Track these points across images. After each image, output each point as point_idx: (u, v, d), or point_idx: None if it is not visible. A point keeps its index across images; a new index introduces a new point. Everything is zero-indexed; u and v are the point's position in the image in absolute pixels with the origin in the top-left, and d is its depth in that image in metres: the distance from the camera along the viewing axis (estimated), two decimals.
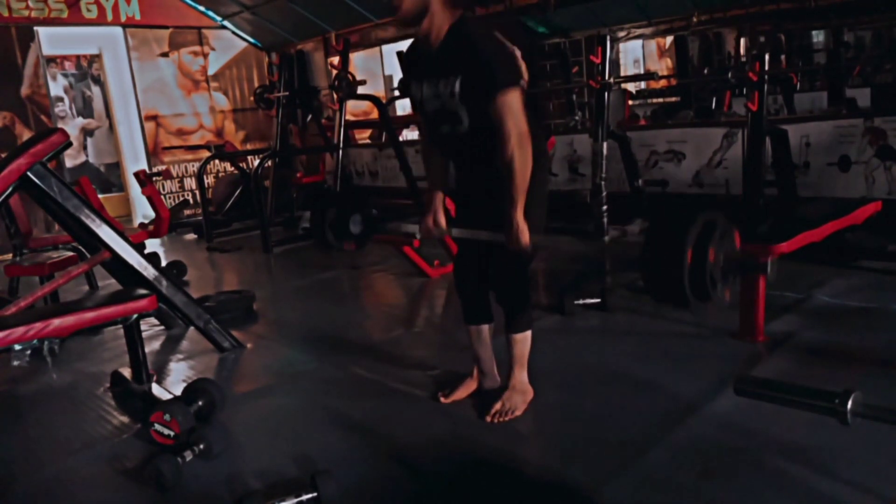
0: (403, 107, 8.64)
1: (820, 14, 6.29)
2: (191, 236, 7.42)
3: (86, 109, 9.58)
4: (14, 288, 4.53)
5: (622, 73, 7.81)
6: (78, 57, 9.41)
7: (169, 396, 2.66)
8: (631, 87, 8.22)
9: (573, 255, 4.85)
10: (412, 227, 2.72)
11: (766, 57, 3.95)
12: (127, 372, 2.98)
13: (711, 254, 1.92)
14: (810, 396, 1.31)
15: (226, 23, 9.08)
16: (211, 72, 9.11)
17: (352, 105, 7.37)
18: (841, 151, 4.40)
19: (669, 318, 3.23)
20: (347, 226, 3.82)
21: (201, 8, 8.83)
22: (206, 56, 9.04)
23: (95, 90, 9.53)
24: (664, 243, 2.00)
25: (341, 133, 6.16)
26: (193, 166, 8.74)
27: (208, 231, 6.88)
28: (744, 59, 7.39)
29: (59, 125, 8.00)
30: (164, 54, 8.71)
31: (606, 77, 4.18)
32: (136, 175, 5.87)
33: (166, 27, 8.64)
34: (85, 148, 9.54)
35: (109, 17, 8.11)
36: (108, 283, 4.39)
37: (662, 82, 8.63)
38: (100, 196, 6.26)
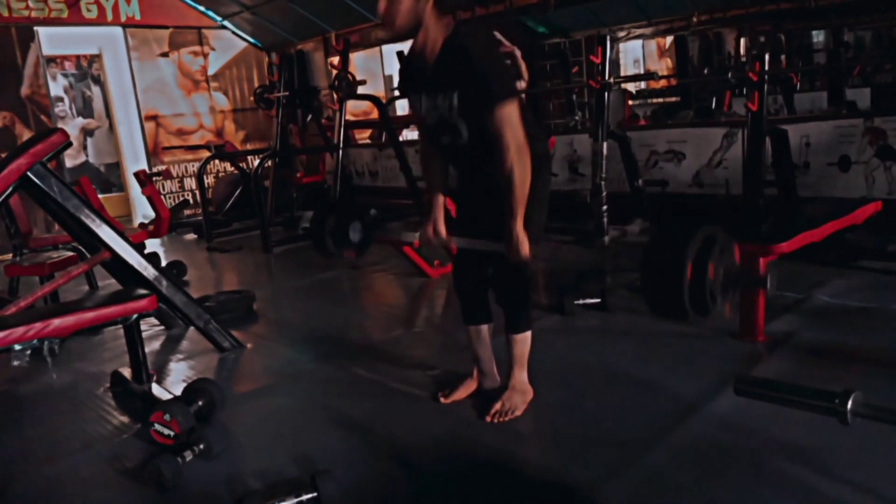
0: (403, 107, 8.64)
1: (820, 14, 6.30)
2: (191, 236, 7.42)
3: (86, 109, 9.58)
4: (14, 288, 4.52)
5: (622, 73, 7.81)
6: (78, 57, 9.41)
7: (169, 396, 2.66)
8: (631, 87, 8.22)
9: (573, 255, 4.85)
10: (412, 234, 2.73)
11: (766, 57, 3.94)
12: (127, 372, 2.98)
13: (711, 269, 1.94)
14: (810, 396, 1.32)
15: (226, 23, 9.08)
16: (211, 72, 9.11)
17: (352, 105, 7.37)
18: (841, 151, 4.40)
19: None
20: (347, 234, 3.84)
21: (201, 8, 8.84)
22: (206, 56, 9.04)
23: (95, 90, 9.53)
24: (664, 259, 2.02)
25: (341, 133, 6.15)
26: (193, 166, 8.75)
27: (208, 231, 6.88)
28: (744, 59, 7.39)
29: (59, 125, 8.00)
30: (164, 54, 8.71)
31: (606, 77, 4.18)
32: (136, 175, 5.87)
33: (166, 27, 8.64)
34: (85, 148, 9.54)
35: (109, 17, 8.11)
36: (108, 283, 4.38)
37: (662, 82, 8.63)
38: (100, 196, 6.26)
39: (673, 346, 2.99)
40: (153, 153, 8.67)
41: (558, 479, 2.07)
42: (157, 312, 3.40)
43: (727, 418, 2.29)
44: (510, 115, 2.10)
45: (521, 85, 2.32)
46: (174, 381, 3.17)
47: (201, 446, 2.27)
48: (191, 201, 8.54)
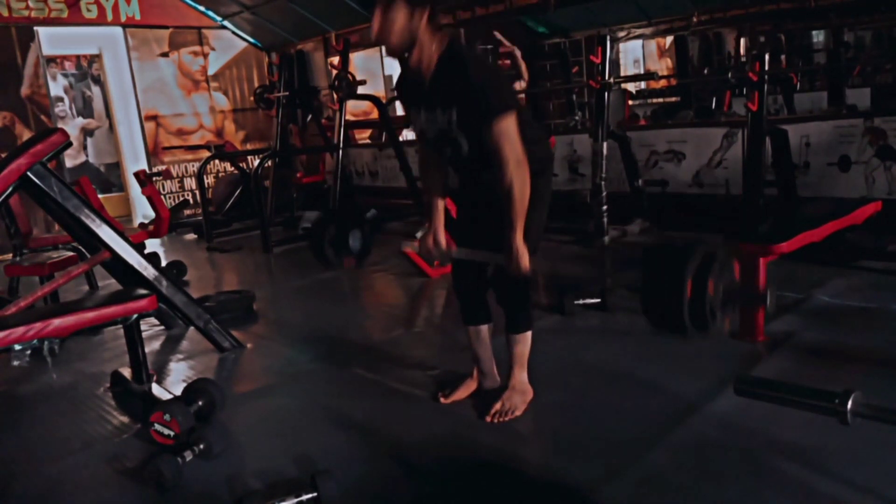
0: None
1: (820, 14, 6.31)
2: (191, 236, 7.42)
3: (86, 109, 9.58)
4: (14, 288, 4.53)
5: (622, 73, 7.82)
6: (78, 57, 9.41)
7: (169, 396, 2.66)
8: (631, 87, 8.23)
9: (573, 255, 4.86)
10: (412, 243, 2.74)
11: (766, 57, 3.95)
12: (127, 372, 2.98)
13: (711, 286, 1.95)
14: (810, 396, 1.32)
15: (226, 23, 9.08)
16: (211, 72, 9.11)
17: (352, 105, 7.36)
18: (841, 151, 4.40)
19: None
20: (347, 242, 3.85)
21: (201, 8, 8.84)
22: (206, 56, 9.04)
23: (95, 90, 9.53)
24: (663, 279, 2.03)
25: (341, 133, 6.15)
26: (193, 166, 8.75)
27: (208, 231, 6.88)
28: (744, 59, 7.40)
29: (59, 125, 7.99)
30: (164, 54, 8.71)
31: (606, 77, 4.18)
32: (136, 175, 5.87)
33: (166, 27, 8.64)
34: (85, 148, 9.54)
35: (109, 17, 8.11)
36: (108, 283, 4.39)
37: (662, 82, 8.63)
38: (100, 196, 6.26)
39: (673, 346, 2.98)
40: (153, 153, 8.67)
41: (558, 479, 2.07)
42: (157, 312, 3.41)
43: (727, 418, 2.28)
44: (508, 129, 2.11)
45: (521, 85, 2.33)
46: (174, 381, 3.17)
47: (201, 446, 2.27)
48: (191, 201, 8.54)
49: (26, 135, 7.33)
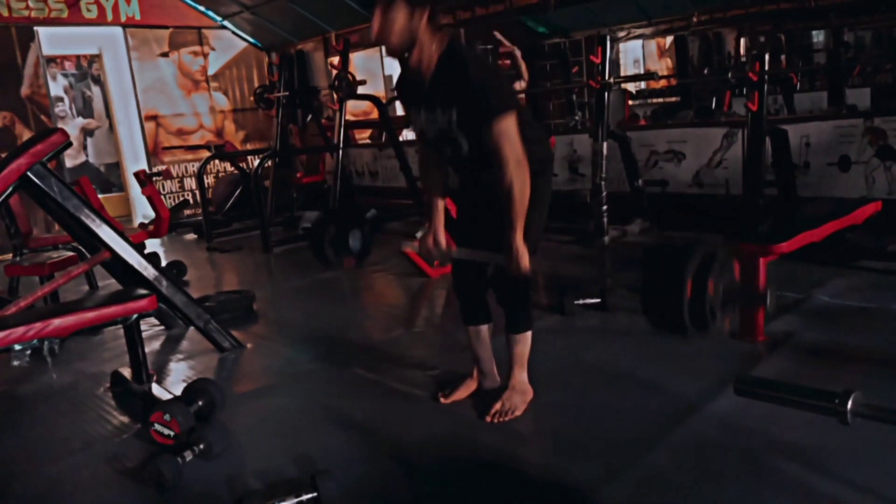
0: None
1: (820, 14, 6.31)
2: (191, 236, 7.42)
3: (86, 109, 9.58)
4: (14, 288, 4.53)
5: (622, 73, 7.82)
6: (78, 57, 9.41)
7: (169, 396, 2.66)
8: (631, 87, 8.23)
9: (573, 255, 4.86)
10: (412, 243, 2.74)
11: (766, 57, 3.95)
12: (127, 372, 2.98)
13: (711, 286, 1.95)
14: (810, 396, 1.32)
15: (226, 23, 9.08)
16: (211, 72, 9.11)
17: (352, 105, 7.36)
18: (841, 151, 4.40)
19: None
20: (347, 242, 3.85)
21: (201, 8, 8.84)
22: (206, 56, 9.04)
23: (95, 90, 9.53)
24: (664, 277, 2.03)
25: (341, 133, 6.15)
26: (193, 166, 8.75)
27: (208, 231, 6.88)
28: (744, 59, 7.40)
29: (59, 125, 7.99)
30: (164, 54, 8.71)
31: (606, 77, 4.18)
32: (136, 175, 5.87)
33: (166, 27, 8.64)
34: (85, 148, 9.54)
35: (109, 17, 8.11)
36: (108, 283, 4.39)
37: (662, 82, 8.64)
38: (100, 196, 6.26)
39: (673, 346, 2.98)
40: (153, 153, 8.67)
41: (558, 479, 2.07)
42: (157, 312, 3.41)
43: (727, 418, 2.29)
44: (508, 129, 2.11)
45: (521, 85, 2.33)
46: (174, 381, 3.17)
47: (201, 446, 2.27)
48: (191, 201, 8.54)
49: (26, 135, 7.33)
